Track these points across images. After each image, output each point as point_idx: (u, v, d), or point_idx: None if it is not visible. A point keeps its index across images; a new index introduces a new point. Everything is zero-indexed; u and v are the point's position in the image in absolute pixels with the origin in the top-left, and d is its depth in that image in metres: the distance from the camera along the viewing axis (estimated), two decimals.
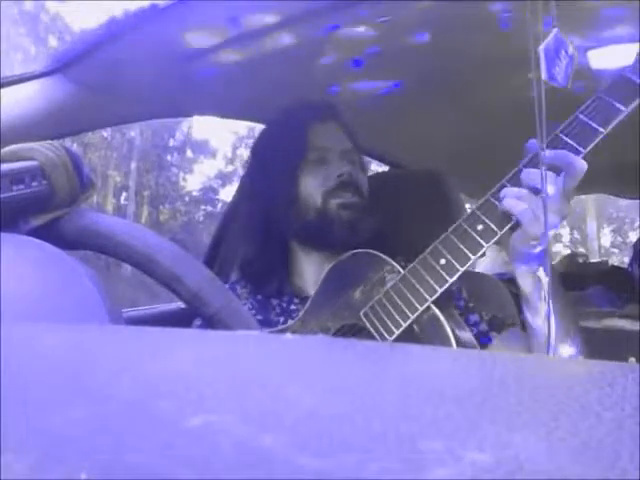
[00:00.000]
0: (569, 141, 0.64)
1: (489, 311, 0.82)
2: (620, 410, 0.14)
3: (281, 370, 0.17)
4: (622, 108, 0.62)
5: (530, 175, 0.64)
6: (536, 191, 0.63)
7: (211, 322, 0.39)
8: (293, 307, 0.86)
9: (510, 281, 1.92)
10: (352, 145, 0.91)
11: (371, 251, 0.77)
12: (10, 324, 0.22)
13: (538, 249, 0.64)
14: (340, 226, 0.84)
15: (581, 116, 0.64)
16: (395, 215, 0.94)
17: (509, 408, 0.14)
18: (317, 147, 0.88)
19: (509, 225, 0.65)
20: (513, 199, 0.64)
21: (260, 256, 0.89)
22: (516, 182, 0.65)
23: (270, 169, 0.90)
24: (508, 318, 0.81)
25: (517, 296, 1.37)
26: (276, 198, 0.88)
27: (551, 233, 0.67)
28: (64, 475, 0.11)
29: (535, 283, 0.66)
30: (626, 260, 2.45)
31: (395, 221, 0.92)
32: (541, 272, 0.60)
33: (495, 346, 0.77)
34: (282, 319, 0.85)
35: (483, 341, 0.78)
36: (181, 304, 1.23)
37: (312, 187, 0.86)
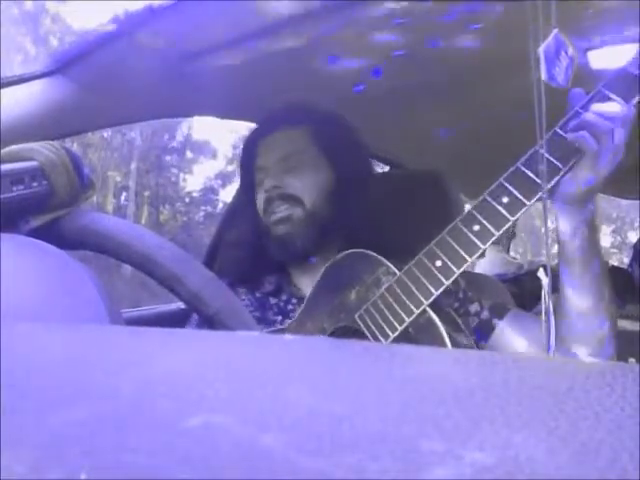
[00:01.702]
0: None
1: (489, 298, 0.81)
2: (620, 410, 0.14)
3: (281, 370, 0.17)
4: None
5: (591, 120, 0.61)
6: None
7: (211, 322, 0.39)
8: (291, 307, 0.86)
9: (510, 281, 1.91)
10: (296, 150, 0.87)
11: (366, 251, 0.77)
12: (10, 324, 0.22)
13: (586, 200, 0.64)
14: (274, 243, 0.86)
15: (581, 112, 0.63)
16: (394, 215, 0.94)
17: (509, 408, 0.14)
18: (259, 167, 0.90)
19: (507, 225, 0.64)
20: (599, 117, 0.61)
21: (257, 257, 0.90)
22: (513, 181, 0.64)
23: (242, 189, 1.00)
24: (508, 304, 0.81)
25: (517, 296, 1.37)
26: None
27: (552, 235, 0.66)
28: (64, 475, 0.11)
29: (582, 240, 0.65)
30: (626, 260, 2.45)
31: (394, 221, 0.92)
32: (541, 273, 0.60)
33: (500, 331, 0.77)
34: (280, 318, 0.85)
35: (486, 329, 0.77)
36: (181, 304, 1.23)
37: (258, 208, 0.89)
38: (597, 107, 0.62)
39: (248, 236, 0.92)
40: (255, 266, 0.90)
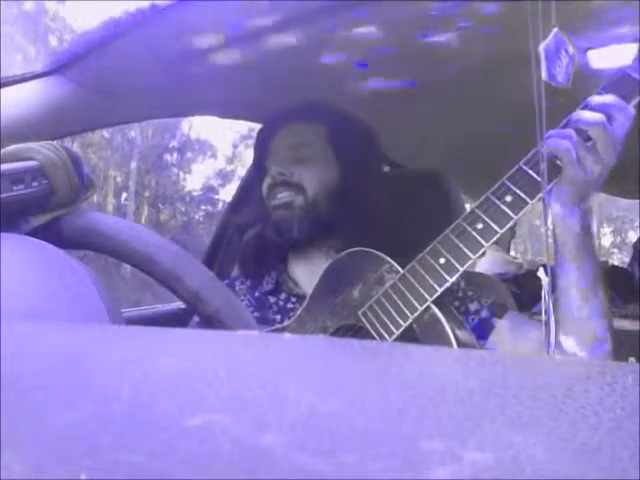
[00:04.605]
0: None
1: (488, 297, 0.82)
2: (620, 410, 0.14)
3: (281, 370, 0.17)
4: None
5: (580, 116, 0.62)
6: (584, 134, 0.62)
7: (210, 322, 0.39)
8: (290, 305, 0.87)
9: (510, 281, 1.91)
10: (308, 142, 0.90)
11: (369, 249, 0.77)
12: (10, 323, 0.22)
13: (579, 201, 0.64)
14: (272, 227, 0.87)
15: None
16: (394, 214, 0.94)
17: (509, 408, 0.14)
18: (271, 153, 0.92)
19: (510, 224, 0.64)
20: (557, 138, 0.62)
21: (258, 252, 0.90)
22: (516, 180, 0.65)
23: (253, 172, 1.00)
24: (508, 305, 0.81)
25: (517, 295, 1.36)
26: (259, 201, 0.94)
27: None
28: (64, 475, 0.11)
29: (575, 241, 0.65)
30: (626, 260, 2.45)
31: (394, 220, 0.92)
32: (541, 272, 0.60)
33: (498, 330, 0.77)
34: (279, 317, 0.86)
35: (486, 328, 0.77)
36: (181, 304, 1.24)
37: (263, 191, 0.91)
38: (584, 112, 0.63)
39: (252, 218, 0.93)
40: (256, 249, 0.91)
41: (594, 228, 0.65)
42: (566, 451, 0.12)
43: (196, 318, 0.86)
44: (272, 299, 0.88)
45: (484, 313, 0.79)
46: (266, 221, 0.88)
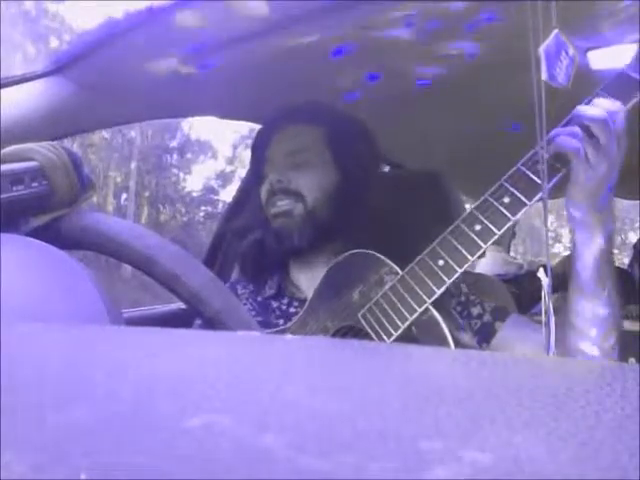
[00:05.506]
0: None
1: (490, 301, 0.81)
2: (620, 410, 0.14)
3: (281, 370, 0.17)
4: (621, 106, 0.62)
5: (583, 113, 0.62)
6: (587, 131, 0.62)
7: (211, 323, 0.39)
8: (292, 310, 0.86)
9: (510, 281, 1.91)
10: (305, 147, 0.88)
11: (369, 252, 0.77)
12: (11, 324, 0.22)
13: (595, 204, 0.64)
14: (272, 235, 0.86)
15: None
16: (394, 216, 0.94)
17: (509, 408, 0.14)
18: (268, 158, 0.90)
19: (508, 225, 0.64)
20: (566, 136, 0.62)
21: (259, 258, 0.90)
22: (514, 182, 0.65)
23: (251, 176, 0.99)
24: (510, 308, 0.81)
25: (517, 296, 1.36)
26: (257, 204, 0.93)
27: (551, 233, 0.66)
28: (64, 475, 0.11)
29: (593, 253, 0.65)
30: (626, 260, 2.45)
31: (394, 222, 0.92)
32: (541, 273, 0.60)
33: (501, 334, 0.77)
34: (282, 321, 0.85)
35: (488, 332, 0.77)
36: (181, 304, 1.24)
37: (262, 199, 0.89)
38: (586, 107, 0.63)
39: (251, 225, 0.93)
40: (257, 255, 0.90)
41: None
42: (566, 451, 0.12)
43: (198, 321, 0.85)
44: (274, 304, 0.88)
45: (487, 317, 0.79)
46: (265, 226, 0.88)
